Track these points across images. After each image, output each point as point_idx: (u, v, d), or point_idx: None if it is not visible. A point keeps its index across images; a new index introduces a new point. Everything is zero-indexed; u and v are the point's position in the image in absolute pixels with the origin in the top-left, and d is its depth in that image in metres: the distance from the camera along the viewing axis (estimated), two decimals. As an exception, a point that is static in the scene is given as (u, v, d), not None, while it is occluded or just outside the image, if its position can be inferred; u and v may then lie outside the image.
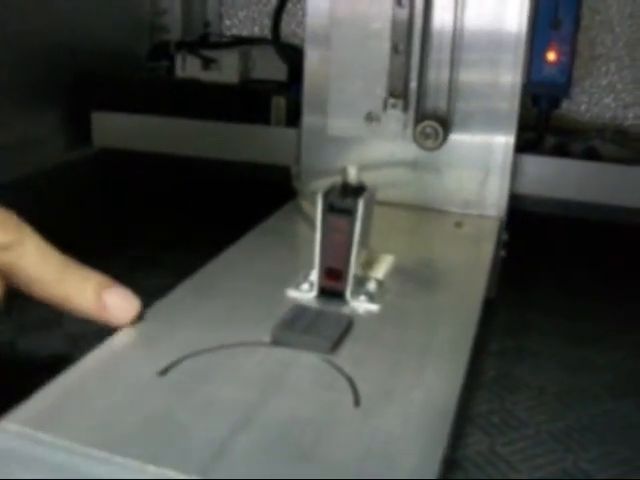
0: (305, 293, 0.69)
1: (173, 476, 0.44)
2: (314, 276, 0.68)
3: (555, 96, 1.06)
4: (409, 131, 0.94)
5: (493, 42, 0.93)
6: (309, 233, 0.70)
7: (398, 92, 0.92)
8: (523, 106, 0.98)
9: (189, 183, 1.26)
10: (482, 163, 0.99)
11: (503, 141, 0.97)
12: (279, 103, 1.12)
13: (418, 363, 0.60)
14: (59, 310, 0.55)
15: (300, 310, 0.64)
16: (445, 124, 0.94)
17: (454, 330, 0.67)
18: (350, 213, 0.65)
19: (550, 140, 1.20)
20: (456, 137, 0.97)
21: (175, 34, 1.49)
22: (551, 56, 0.97)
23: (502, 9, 0.92)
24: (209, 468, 0.44)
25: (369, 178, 0.76)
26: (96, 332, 0.58)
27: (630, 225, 1.13)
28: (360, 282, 0.70)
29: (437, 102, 0.95)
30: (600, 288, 1.10)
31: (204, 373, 0.55)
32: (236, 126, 1.15)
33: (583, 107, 1.44)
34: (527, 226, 1.07)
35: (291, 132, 1.10)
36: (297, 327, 0.61)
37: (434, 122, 0.93)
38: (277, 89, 1.17)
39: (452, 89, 0.96)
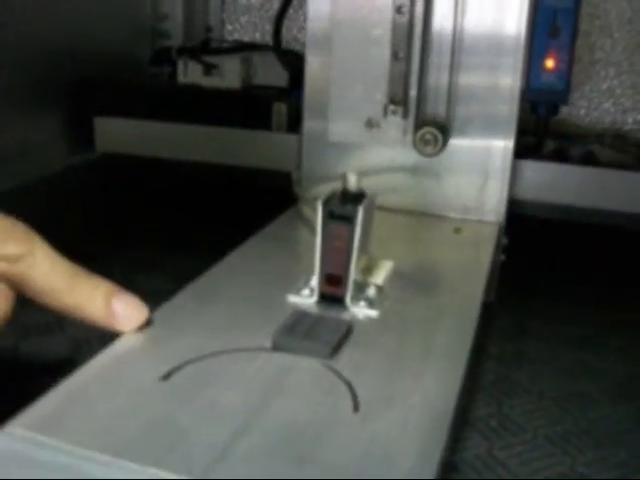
0: (305, 299, 0.69)
1: (175, 477, 0.44)
2: (314, 282, 0.69)
3: (554, 103, 1.06)
4: (409, 137, 0.95)
5: (492, 46, 0.94)
6: (310, 239, 0.71)
7: (398, 99, 0.93)
8: (522, 111, 0.98)
9: (191, 188, 1.27)
10: (481, 168, 1.00)
11: (502, 145, 0.98)
12: (280, 109, 1.13)
13: (417, 368, 0.61)
14: (66, 317, 0.56)
15: (300, 316, 0.65)
16: (444, 130, 0.95)
17: (453, 335, 0.68)
18: (350, 220, 0.66)
19: (549, 145, 1.21)
20: (455, 142, 0.98)
21: (176, 39, 1.50)
22: (550, 64, 0.98)
23: (501, 14, 0.93)
24: (210, 471, 0.45)
25: (369, 184, 0.77)
26: (99, 337, 0.59)
27: (629, 230, 1.13)
28: (360, 288, 0.70)
29: (437, 108, 0.96)
30: (598, 293, 1.11)
31: (206, 378, 0.56)
32: (237, 131, 1.16)
33: (582, 111, 1.45)
34: (526, 230, 1.07)
35: (292, 138, 1.11)
36: (297, 333, 0.62)
37: (434, 128, 0.93)
38: (278, 95, 1.18)
39: (451, 94, 0.97)
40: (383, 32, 0.92)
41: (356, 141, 0.99)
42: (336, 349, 0.61)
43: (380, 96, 0.94)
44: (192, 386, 0.55)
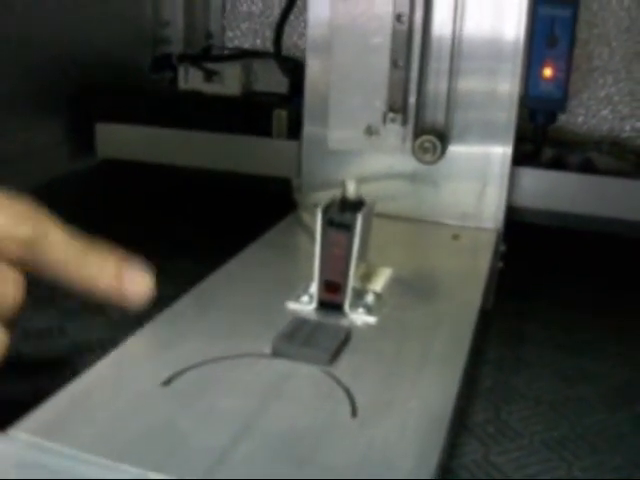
0: (305, 305, 0.70)
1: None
2: (314, 289, 0.70)
3: (551, 111, 1.07)
4: (408, 145, 0.96)
5: (491, 52, 0.95)
6: (309, 246, 0.72)
7: (397, 106, 0.94)
8: (520, 119, 0.99)
9: (191, 194, 1.27)
10: (479, 175, 1.00)
11: (500, 152, 0.99)
12: (280, 116, 1.13)
13: (415, 374, 0.62)
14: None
15: (300, 322, 0.66)
16: (443, 138, 0.96)
17: (450, 341, 0.69)
18: (349, 228, 0.67)
19: (547, 152, 1.22)
20: (454, 148, 0.99)
21: (177, 45, 1.50)
22: (547, 72, 0.99)
23: (500, 20, 0.94)
24: (210, 474, 0.46)
25: (368, 190, 0.78)
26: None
27: (627, 237, 1.14)
28: (358, 295, 0.71)
29: (435, 115, 0.97)
30: (596, 299, 1.11)
31: (206, 383, 0.57)
32: (238, 138, 1.16)
33: (580, 119, 1.46)
34: (525, 237, 1.08)
35: (292, 144, 1.12)
36: (297, 339, 0.63)
37: (433, 136, 0.94)
38: (278, 102, 1.19)
39: (450, 101, 0.98)
40: (382, 40, 0.93)
41: (356, 149, 1.00)
42: (335, 355, 0.61)
43: (379, 104, 0.95)
44: (193, 391, 0.56)
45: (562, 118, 1.39)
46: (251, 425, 0.51)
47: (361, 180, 0.90)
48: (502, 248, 1.02)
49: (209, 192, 1.26)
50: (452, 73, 0.96)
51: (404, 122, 0.95)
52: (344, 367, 0.61)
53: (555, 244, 1.24)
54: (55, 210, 1.10)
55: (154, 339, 0.63)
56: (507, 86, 0.95)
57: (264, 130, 1.16)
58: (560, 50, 0.98)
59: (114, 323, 0.92)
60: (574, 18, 0.98)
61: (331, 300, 0.69)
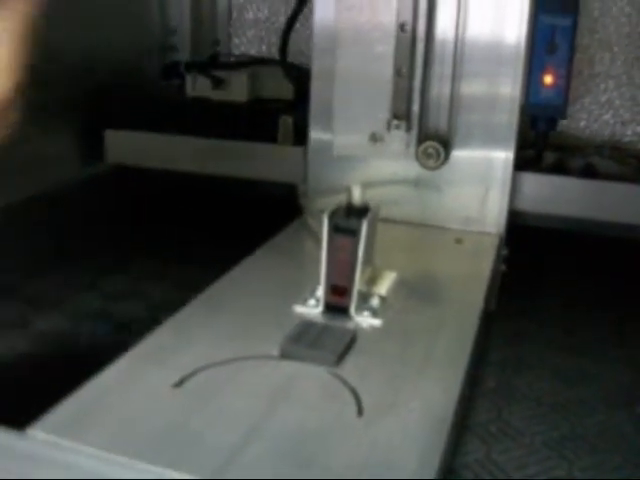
0: (312, 308, 0.72)
1: (188, 478, 0.47)
2: (320, 292, 0.72)
3: (552, 118, 1.09)
4: (412, 150, 0.97)
5: (493, 56, 0.96)
6: (315, 250, 0.73)
7: (401, 114, 0.96)
8: (522, 125, 1.01)
9: (199, 199, 1.29)
10: (482, 179, 1.02)
11: (503, 156, 1.00)
12: (286, 122, 1.15)
13: (418, 375, 0.63)
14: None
15: (307, 325, 0.68)
16: (446, 144, 0.98)
17: (453, 344, 0.70)
18: (354, 233, 0.69)
19: (549, 157, 1.23)
20: (457, 153, 1.01)
21: (184, 52, 1.52)
22: (548, 79, 1.01)
23: (501, 26, 0.95)
24: (220, 472, 0.48)
25: (373, 195, 0.80)
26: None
27: (628, 239, 1.16)
28: (364, 298, 0.73)
29: (438, 121, 0.99)
30: (598, 301, 1.13)
31: (217, 385, 0.59)
32: (245, 144, 1.18)
33: (582, 123, 1.47)
34: (526, 239, 1.10)
35: (298, 150, 1.13)
36: (304, 341, 0.65)
37: (436, 142, 0.96)
38: (284, 108, 1.20)
39: (453, 107, 0.99)
40: (386, 49, 0.95)
41: (360, 155, 1.01)
42: (341, 357, 0.63)
43: (383, 111, 0.97)
44: (204, 392, 0.58)
45: (564, 123, 1.41)
46: (261, 425, 0.53)
47: (366, 185, 0.92)
48: (504, 252, 1.03)
49: (217, 197, 1.28)
50: (455, 78, 0.98)
51: (408, 129, 0.96)
52: (350, 368, 0.63)
53: (556, 246, 1.26)
54: (65, 216, 1.12)
55: (166, 342, 0.65)
56: (508, 89, 0.97)
57: (270, 136, 1.17)
58: (560, 58, 1.00)
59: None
60: (574, 26, 1.00)
61: (337, 303, 0.71)
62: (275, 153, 1.17)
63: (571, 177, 1.11)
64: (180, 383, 0.58)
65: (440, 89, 0.99)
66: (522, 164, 1.08)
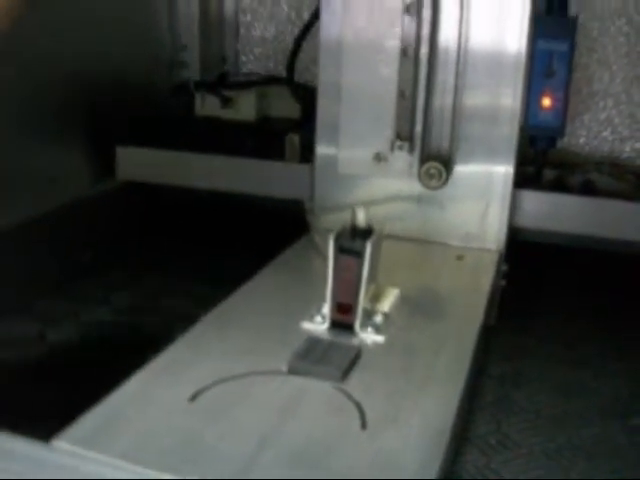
0: (318, 325, 0.76)
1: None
2: (326, 310, 0.75)
3: (551, 138, 1.12)
4: (415, 170, 1.01)
5: (494, 69, 0.99)
6: (321, 268, 0.77)
7: (404, 134, 0.99)
8: (522, 145, 1.04)
9: (208, 215, 1.32)
10: (483, 195, 1.05)
11: (503, 171, 1.04)
12: (293, 141, 1.18)
13: (419, 390, 0.67)
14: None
15: (313, 341, 0.71)
16: (448, 164, 1.01)
17: (453, 359, 0.74)
18: (359, 254, 0.72)
19: (549, 174, 1.26)
20: (458, 169, 1.04)
21: (194, 69, 1.55)
22: (546, 102, 1.04)
23: (502, 39, 0.98)
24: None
25: (377, 212, 0.84)
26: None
27: (627, 255, 1.18)
28: (368, 315, 0.77)
29: (440, 142, 1.02)
30: (598, 316, 1.15)
31: (228, 399, 0.62)
32: (253, 161, 1.21)
33: (582, 140, 1.50)
34: (527, 254, 1.13)
35: (304, 168, 1.16)
36: (311, 358, 0.68)
37: (438, 163, 0.99)
38: (291, 127, 1.23)
39: (455, 124, 1.02)
40: (390, 72, 0.98)
41: (365, 174, 1.05)
42: (346, 373, 0.67)
43: (387, 132, 1.00)
44: (217, 407, 0.61)
45: (564, 140, 1.44)
46: (270, 437, 0.57)
47: (370, 202, 0.97)
48: (504, 267, 1.06)
49: (225, 213, 1.30)
50: (456, 94, 1.01)
51: (411, 149, 1.00)
52: (355, 383, 0.66)
53: (556, 261, 1.28)
54: (78, 232, 1.15)
55: (181, 357, 0.69)
56: (509, 101, 0.99)
57: (278, 154, 1.21)
58: (558, 81, 1.03)
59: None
60: (571, 51, 1.03)
61: (342, 320, 0.74)
62: (282, 170, 1.20)
63: (570, 194, 1.14)
64: (194, 397, 0.62)
65: (442, 107, 1.02)
66: (522, 181, 1.11)
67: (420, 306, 0.85)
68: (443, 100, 1.02)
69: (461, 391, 0.67)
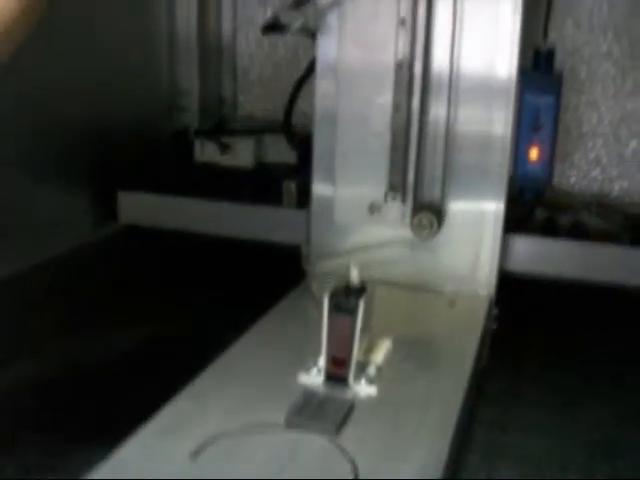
0: (314, 377, 0.79)
1: None
2: (322, 362, 0.79)
3: (538, 188, 1.17)
4: (407, 220, 1.05)
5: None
6: (318, 318, 0.80)
7: (397, 186, 1.03)
8: (512, 191, 1.08)
9: (208, 259, 1.35)
10: (474, 237, 1.08)
11: (494, 208, 1.07)
12: (289, 187, 1.22)
13: (410, 441, 0.71)
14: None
15: (309, 395, 0.75)
16: (440, 214, 1.05)
17: (443, 409, 0.78)
18: (352, 312, 0.76)
19: (540, 213, 1.30)
20: (449, 207, 1.08)
21: (192, 111, 1.59)
22: (534, 155, 1.09)
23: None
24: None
25: (371, 257, 0.88)
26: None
27: (619, 293, 1.20)
28: (361, 367, 0.80)
29: (432, 191, 1.06)
30: (588, 358, 1.17)
31: (230, 453, 0.66)
32: (251, 207, 1.25)
33: (572, 180, 1.54)
34: (516, 292, 1.16)
35: (301, 214, 1.20)
36: (306, 412, 0.72)
37: (429, 214, 1.03)
38: (288, 173, 1.27)
39: (446, 176, 1.06)
40: (383, 126, 1.02)
41: (360, 224, 1.09)
42: (340, 427, 0.71)
43: (381, 183, 1.04)
44: (218, 461, 0.65)
45: (555, 179, 1.48)
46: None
47: (364, 248, 1.01)
48: (495, 311, 1.10)
49: (225, 257, 1.33)
50: (448, 124, 1.05)
51: (404, 200, 1.04)
52: (348, 436, 0.70)
53: (545, 299, 1.30)
54: (82, 278, 1.18)
55: (183, 411, 0.73)
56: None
57: (275, 199, 1.24)
58: (545, 135, 1.07)
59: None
60: (557, 105, 1.07)
61: (337, 374, 0.78)
62: (280, 216, 1.24)
63: (560, 239, 1.18)
64: (196, 453, 0.65)
65: (434, 158, 1.06)
66: (513, 224, 1.15)
67: (412, 356, 0.88)
68: (435, 146, 1.05)
69: (449, 443, 0.71)
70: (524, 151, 1.08)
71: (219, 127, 1.41)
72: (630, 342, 1.20)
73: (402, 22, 0.99)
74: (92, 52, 1.28)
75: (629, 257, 1.17)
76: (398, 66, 1.00)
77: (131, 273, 1.31)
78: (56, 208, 1.24)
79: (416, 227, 1.04)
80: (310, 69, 1.18)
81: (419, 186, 1.06)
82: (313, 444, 0.68)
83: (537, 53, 1.12)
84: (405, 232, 1.08)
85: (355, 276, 0.79)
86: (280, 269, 1.18)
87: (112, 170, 1.35)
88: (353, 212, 1.07)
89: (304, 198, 1.19)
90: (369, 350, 0.85)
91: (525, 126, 1.07)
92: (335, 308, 0.77)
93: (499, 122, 1.02)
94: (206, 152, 1.38)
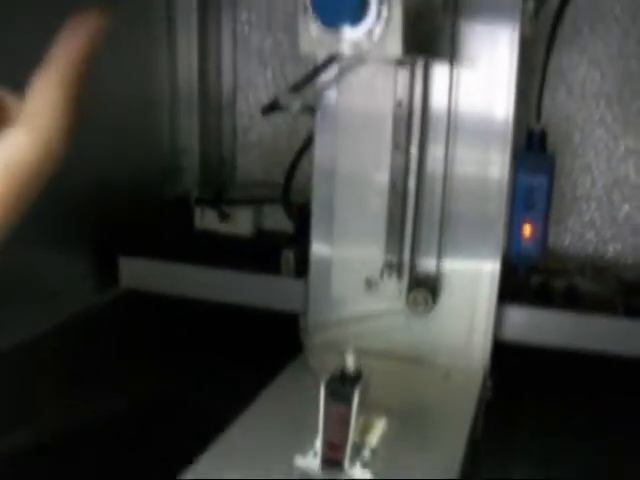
0: (310, 460, 0.81)
1: None
2: (318, 445, 0.81)
3: (532, 265, 1.19)
4: (403, 296, 1.07)
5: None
6: (315, 394, 0.82)
7: (394, 262, 1.05)
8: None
9: (207, 326, 1.37)
10: (469, 305, 1.11)
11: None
12: (288, 257, 1.24)
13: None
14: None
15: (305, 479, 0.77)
16: (435, 289, 1.07)
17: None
18: (348, 400, 0.78)
19: (535, 278, 1.32)
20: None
21: (192, 173, 1.62)
22: (526, 233, 1.11)
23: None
24: None
25: (367, 328, 0.90)
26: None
27: (615, 361, 1.22)
28: (357, 449, 0.82)
29: (428, 266, 1.08)
30: (583, 430, 1.19)
31: None
32: (250, 275, 1.27)
33: (567, 242, 1.57)
34: (511, 360, 1.17)
35: (299, 283, 1.22)
36: (302, 498, 0.74)
37: (425, 291, 1.06)
38: (286, 242, 1.30)
39: (442, 240, 1.09)
40: (380, 205, 1.05)
41: (356, 299, 1.11)
42: (336, 516, 0.73)
43: (377, 259, 1.07)
44: None
45: (549, 242, 1.50)
46: None
47: (361, 320, 1.03)
48: (489, 383, 1.12)
49: (225, 323, 1.35)
50: (444, 219, 1.07)
51: (399, 276, 1.06)
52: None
53: (539, 367, 1.32)
54: (84, 345, 1.19)
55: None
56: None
57: (273, 267, 1.27)
58: (537, 213, 1.10)
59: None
60: (550, 185, 1.10)
61: (332, 457, 0.80)
62: (278, 285, 1.26)
63: (554, 309, 1.20)
64: None
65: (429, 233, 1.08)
66: (506, 294, 1.17)
67: (406, 434, 0.90)
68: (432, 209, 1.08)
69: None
70: (517, 229, 1.10)
71: (219, 195, 1.43)
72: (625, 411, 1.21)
73: (399, 104, 1.02)
74: (93, 116, 1.29)
75: (623, 328, 1.19)
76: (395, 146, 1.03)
77: (131, 338, 1.33)
78: (56, 274, 1.26)
79: (411, 304, 1.07)
80: (309, 141, 1.20)
81: (415, 260, 1.08)
82: (309, 534, 0.70)
83: (530, 134, 1.14)
84: (401, 303, 1.10)
85: (351, 363, 0.81)
86: (278, 336, 1.21)
87: (113, 234, 1.36)
88: (350, 286, 1.10)
89: (302, 266, 1.21)
90: (364, 430, 0.87)
91: (518, 205, 1.09)
92: (331, 395, 0.79)
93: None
94: (206, 219, 1.40)
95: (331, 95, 1.08)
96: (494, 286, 1.10)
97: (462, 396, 1.04)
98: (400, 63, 0.98)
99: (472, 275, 1.10)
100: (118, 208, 1.37)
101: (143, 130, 1.52)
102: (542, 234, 1.10)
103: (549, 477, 1.05)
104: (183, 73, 1.63)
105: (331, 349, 1.10)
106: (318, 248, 1.14)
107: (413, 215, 1.05)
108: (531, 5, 1.02)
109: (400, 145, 1.02)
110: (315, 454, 0.81)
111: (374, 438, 0.87)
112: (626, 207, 1.54)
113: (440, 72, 1.03)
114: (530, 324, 1.20)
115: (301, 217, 1.28)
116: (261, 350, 1.24)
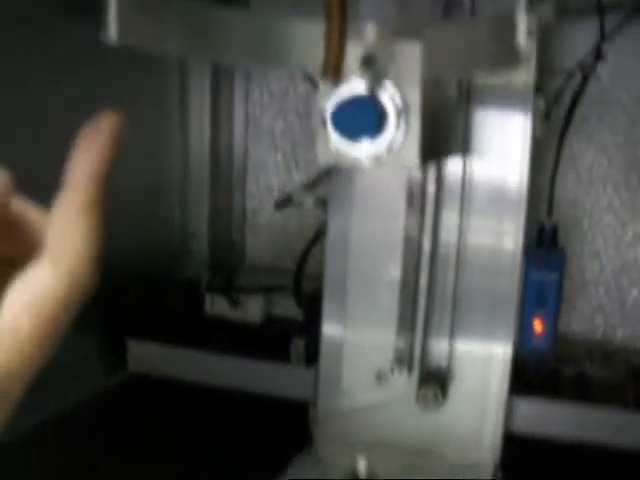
0: None
1: None
2: None
3: (543, 361, 1.19)
4: (413, 391, 1.07)
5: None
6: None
7: (404, 358, 1.05)
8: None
9: (215, 413, 1.36)
10: (478, 399, 1.10)
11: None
12: (297, 345, 1.25)
13: None
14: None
15: None
16: (445, 384, 1.07)
17: None
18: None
19: (543, 367, 1.32)
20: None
21: (202, 254, 1.63)
22: (537, 329, 1.11)
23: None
24: None
25: (376, 419, 0.90)
26: None
27: (627, 452, 1.21)
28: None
29: (439, 361, 1.08)
30: None
31: None
32: (260, 363, 1.27)
33: (576, 327, 1.57)
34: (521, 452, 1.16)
35: (310, 373, 1.22)
36: None
37: (434, 386, 1.05)
38: (296, 330, 1.30)
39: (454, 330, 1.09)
40: (391, 301, 1.05)
41: (367, 394, 1.11)
42: None
43: (388, 353, 1.07)
44: None
45: (560, 328, 1.50)
46: None
47: (370, 410, 1.02)
48: (499, 474, 1.11)
49: (232, 412, 1.33)
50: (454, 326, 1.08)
51: (410, 370, 1.06)
52: None
53: (547, 461, 1.31)
54: (89, 432, 1.18)
55: None
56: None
57: (283, 355, 1.27)
58: (548, 310, 1.10)
59: None
60: (560, 281, 1.11)
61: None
62: (288, 373, 1.26)
63: (564, 401, 1.20)
64: None
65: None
66: (517, 389, 1.17)
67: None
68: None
69: None
70: (529, 326, 1.11)
71: (229, 282, 1.44)
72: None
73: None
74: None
75: (633, 420, 1.18)
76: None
77: (138, 424, 1.32)
78: (64, 357, 1.25)
79: (421, 400, 1.06)
80: (320, 233, 1.21)
81: (426, 346, 1.08)
82: None
83: (541, 230, 1.15)
84: (411, 397, 1.10)
85: (363, 468, 0.81)
86: (286, 424, 1.20)
87: (122, 317, 1.37)
88: (361, 378, 1.10)
89: (312, 355, 1.21)
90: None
91: (529, 301, 1.10)
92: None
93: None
94: (216, 306, 1.40)
95: (345, 184, 1.09)
96: (506, 371, 1.10)
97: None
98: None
99: (484, 358, 1.10)
100: (127, 291, 1.37)
101: (154, 214, 1.53)
102: (553, 328, 1.11)
103: None
104: (195, 154, 1.64)
105: (341, 439, 1.09)
106: (329, 336, 1.14)
107: (425, 301, 1.05)
108: (542, 103, 1.04)
109: (412, 232, 1.03)
110: None
111: None
112: (634, 292, 1.54)
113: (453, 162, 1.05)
114: (539, 416, 1.19)
115: (311, 305, 1.28)
116: (269, 439, 1.23)
